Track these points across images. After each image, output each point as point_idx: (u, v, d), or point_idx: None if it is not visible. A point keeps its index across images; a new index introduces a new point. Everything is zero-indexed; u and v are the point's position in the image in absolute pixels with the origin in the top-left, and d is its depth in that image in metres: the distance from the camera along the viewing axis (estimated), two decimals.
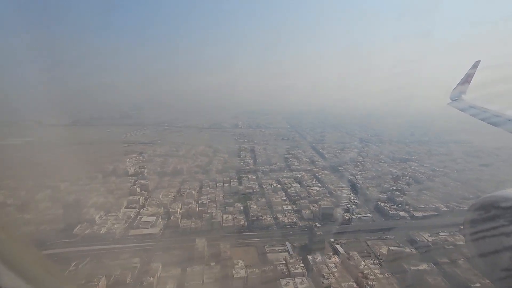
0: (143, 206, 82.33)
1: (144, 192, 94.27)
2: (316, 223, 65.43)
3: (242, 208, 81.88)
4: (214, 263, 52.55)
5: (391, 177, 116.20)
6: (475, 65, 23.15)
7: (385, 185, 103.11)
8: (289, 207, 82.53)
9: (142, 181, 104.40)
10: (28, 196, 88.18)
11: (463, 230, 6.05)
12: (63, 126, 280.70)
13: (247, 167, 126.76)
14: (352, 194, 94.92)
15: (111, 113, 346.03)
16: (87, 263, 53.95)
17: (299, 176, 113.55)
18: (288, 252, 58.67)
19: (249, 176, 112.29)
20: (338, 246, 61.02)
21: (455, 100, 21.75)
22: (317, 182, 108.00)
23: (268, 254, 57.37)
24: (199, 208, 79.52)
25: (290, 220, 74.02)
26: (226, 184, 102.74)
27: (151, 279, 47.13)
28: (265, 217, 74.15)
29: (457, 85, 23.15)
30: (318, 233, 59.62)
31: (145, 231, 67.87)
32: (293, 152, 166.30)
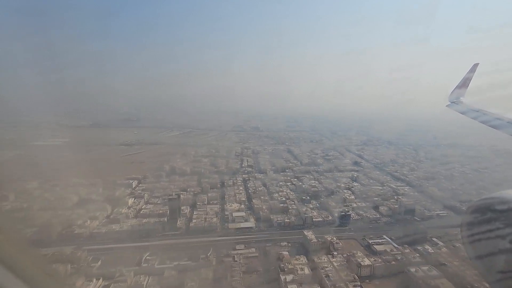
0: (224, 202, 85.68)
1: (214, 189, 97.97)
2: (416, 217, 68.92)
3: (318, 204, 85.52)
4: (335, 252, 56.01)
5: (441, 177, 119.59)
6: (473, 69, 23.18)
7: (443, 184, 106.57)
8: (363, 204, 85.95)
9: (206, 180, 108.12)
10: (109, 193, 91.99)
11: (461, 232, 6.10)
12: (84, 128, 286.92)
13: (298, 168, 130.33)
14: (415, 193, 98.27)
15: (124, 115, 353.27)
16: (212, 253, 57.36)
17: (354, 176, 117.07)
18: (392, 244, 62.01)
19: (307, 176, 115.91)
20: (434, 239, 64.27)
21: (453, 102, 21.80)
22: (374, 181, 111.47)
23: (375, 246, 60.67)
24: (280, 205, 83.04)
25: (373, 216, 77.61)
26: (288, 183, 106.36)
27: (289, 265, 50.59)
28: (348, 213, 77.55)
29: (455, 88, 23.19)
30: (420, 226, 62.92)
31: (242, 225, 71.42)
32: (330, 153, 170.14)
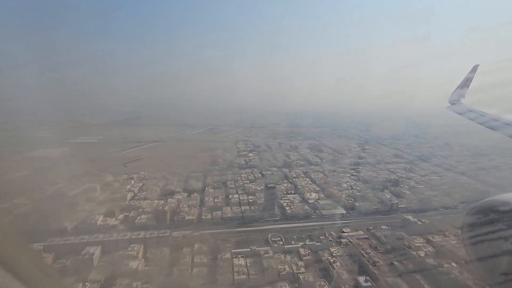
0: (301, 192, 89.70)
1: (283, 180, 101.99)
2: None
3: (392, 193, 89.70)
4: (446, 232, 60.30)
5: (490, 167, 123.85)
6: (474, 69, 23.37)
7: (497, 174, 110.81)
8: (433, 192, 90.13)
9: (269, 172, 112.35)
10: (184, 184, 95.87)
11: (462, 234, 6.18)
12: (103, 126, 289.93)
13: (347, 160, 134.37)
14: (475, 181, 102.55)
15: (135, 114, 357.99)
16: (328, 237, 61.52)
17: (406, 167, 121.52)
18: None
19: (361, 167, 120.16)
20: None
21: (454, 104, 21.90)
22: (428, 172, 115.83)
23: None
24: (358, 193, 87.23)
25: (451, 202, 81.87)
26: (348, 174, 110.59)
27: (413, 243, 54.83)
28: (430, 199, 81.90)
29: (456, 88, 23.36)
30: None
31: (334, 211, 75.59)
32: (367, 147, 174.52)
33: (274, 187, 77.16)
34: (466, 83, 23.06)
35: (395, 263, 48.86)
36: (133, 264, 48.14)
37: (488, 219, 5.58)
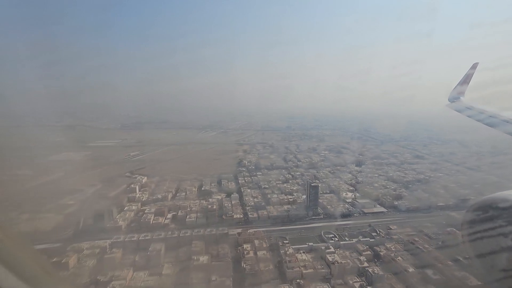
0: (336, 192, 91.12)
1: (315, 181, 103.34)
2: None
3: (425, 191, 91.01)
4: None
5: None
6: (474, 67, 23.74)
7: None
8: (467, 191, 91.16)
9: (298, 173, 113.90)
10: (221, 186, 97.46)
11: (461, 231, 6.21)
12: (115, 130, 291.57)
13: (371, 161, 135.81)
14: (504, 180, 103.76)
15: (143, 118, 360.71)
16: (380, 234, 62.85)
17: (431, 167, 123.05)
18: None
19: (386, 168, 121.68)
20: None
21: (453, 101, 22.28)
22: (454, 172, 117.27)
23: None
24: (393, 192, 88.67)
25: None
26: (376, 175, 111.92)
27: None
28: (466, 198, 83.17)
29: (456, 86, 23.75)
30: None
31: (375, 210, 77.09)
32: (385, 149, 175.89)
33: (317, 186, 78.74)
34: (465, 80, 23.61)
35: (458, 257, 50.13)
36: (203, 259, 49.61)
37: (488, 216, 5.56)
